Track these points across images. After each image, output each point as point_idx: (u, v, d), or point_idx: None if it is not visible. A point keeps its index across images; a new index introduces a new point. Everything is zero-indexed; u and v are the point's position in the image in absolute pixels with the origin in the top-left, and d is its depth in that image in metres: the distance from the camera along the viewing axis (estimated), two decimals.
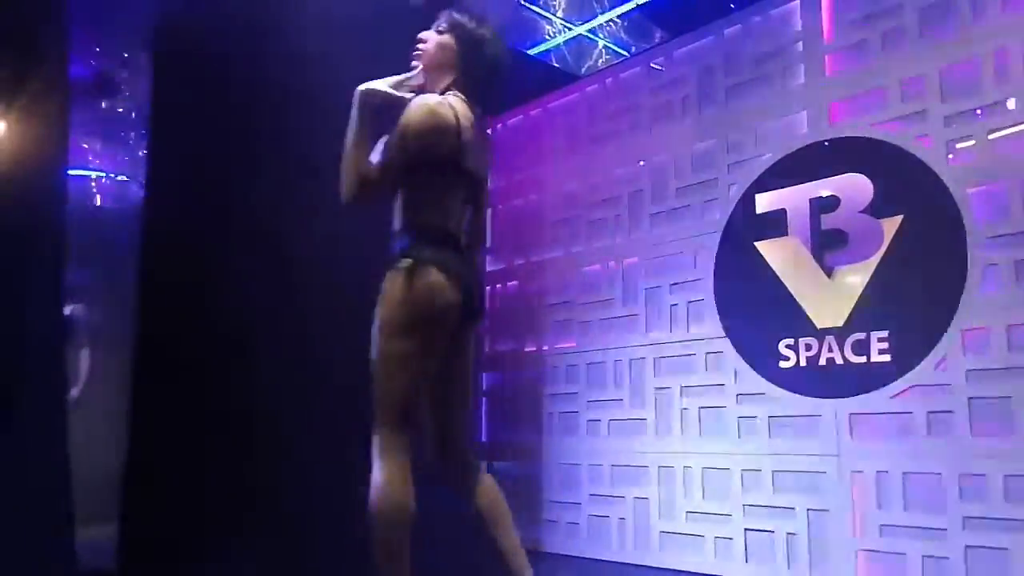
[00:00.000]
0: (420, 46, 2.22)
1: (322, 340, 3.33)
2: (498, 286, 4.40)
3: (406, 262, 1.95)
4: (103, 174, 4.48)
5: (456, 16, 2.21)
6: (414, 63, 2.18)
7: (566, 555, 3.72)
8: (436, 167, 2.02)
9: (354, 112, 2.05)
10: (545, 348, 4.08)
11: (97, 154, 4.39)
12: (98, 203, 4.42)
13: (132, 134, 4.27)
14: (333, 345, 3.38)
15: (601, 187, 3.90)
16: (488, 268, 4.43)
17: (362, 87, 2.05)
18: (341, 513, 3.28)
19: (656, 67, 3.80)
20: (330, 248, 3.35)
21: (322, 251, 3.37)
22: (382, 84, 2.06)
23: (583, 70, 4.43)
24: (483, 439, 4.32)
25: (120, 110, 4.07)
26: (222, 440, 3.08)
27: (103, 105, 3.99)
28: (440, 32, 2.19)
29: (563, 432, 3.91)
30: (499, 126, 4.53)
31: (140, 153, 3.77)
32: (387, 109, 2.07)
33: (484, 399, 4.36)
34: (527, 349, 4.18)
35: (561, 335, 4.01)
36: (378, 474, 1.87)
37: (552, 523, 3.86)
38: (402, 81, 2.11)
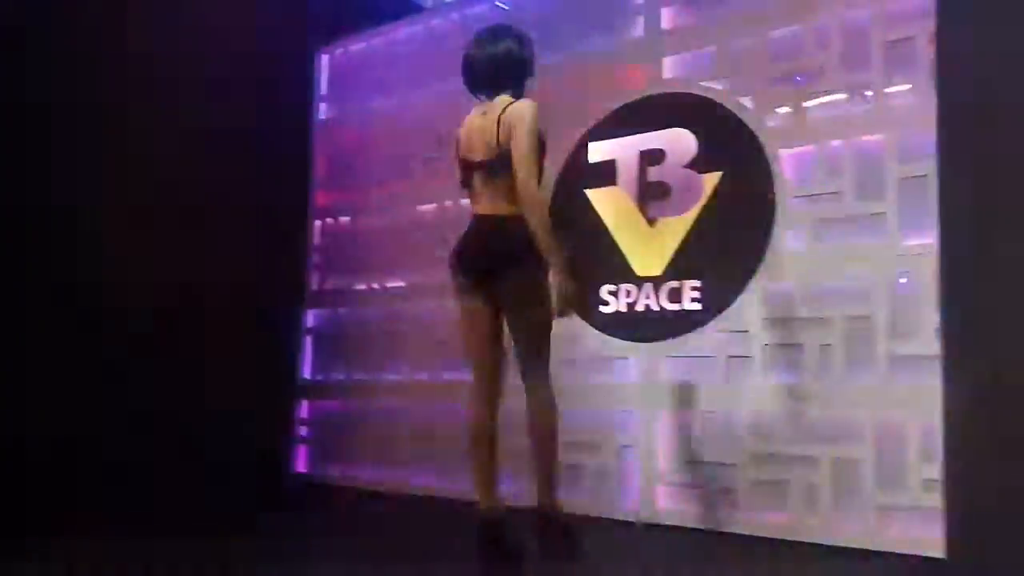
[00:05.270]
0: None
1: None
2: (328, 220, 4.24)
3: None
4: None
5: None
6: None
7: (382, 492, 3.69)
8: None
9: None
10: (375, 286, 3.98)
11: None
12: None
13: None
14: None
15: (438, 125, 3.79)
16: (319, 203, 4.26)
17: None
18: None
19: (502, 6, 3.73)
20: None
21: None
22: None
23: (430, 2, 4.28)
24: (306, 377, 4.18)
25: None
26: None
27: None
28: None
29: (388, 372, 3.86)
30: (338, 51, 4.31)
31: None
32: None
33: (309, 337, 4.21)
34: (356, 287, 4.06)
35: (392, 274, 3.92)
36: (551, 395, 2.43)
37: (372, 461, 3.82)
38: None
